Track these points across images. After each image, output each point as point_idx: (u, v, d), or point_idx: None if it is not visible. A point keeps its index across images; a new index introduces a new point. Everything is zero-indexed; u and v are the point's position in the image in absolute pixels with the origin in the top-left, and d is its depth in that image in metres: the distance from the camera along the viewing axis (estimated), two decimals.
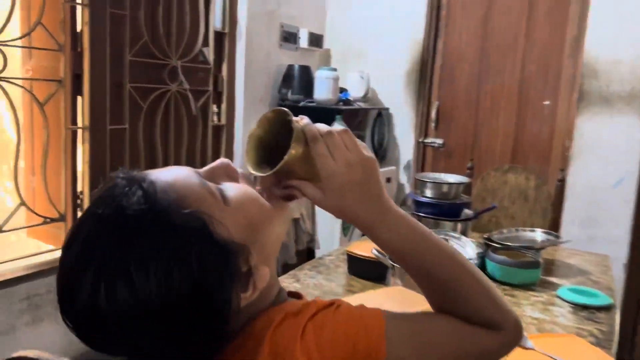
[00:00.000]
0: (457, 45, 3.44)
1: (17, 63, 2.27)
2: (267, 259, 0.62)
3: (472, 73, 3.40)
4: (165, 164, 2.63)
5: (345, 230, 2.94)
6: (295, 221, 2.06)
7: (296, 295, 0.73)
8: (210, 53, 2.80)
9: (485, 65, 3.35)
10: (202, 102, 2.78)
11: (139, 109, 2.45)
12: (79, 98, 2.24)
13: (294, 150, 0.61)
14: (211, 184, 0.60)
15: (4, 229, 2.01)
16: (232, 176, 0.64)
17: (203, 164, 2.72)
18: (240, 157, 3.02)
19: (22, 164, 2.33)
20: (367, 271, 1.63)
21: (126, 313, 0.51)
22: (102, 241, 0.53)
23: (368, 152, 0.65)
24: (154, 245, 0.52)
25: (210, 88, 2.83)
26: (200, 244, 0.54)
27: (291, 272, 1.67)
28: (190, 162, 2.73)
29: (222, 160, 0.65)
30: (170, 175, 0.59)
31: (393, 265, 1.48)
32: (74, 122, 2.25)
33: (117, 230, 0.53)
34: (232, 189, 0.61)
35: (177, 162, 2.69)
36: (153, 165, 2.56)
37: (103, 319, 0.52)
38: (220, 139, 2.94)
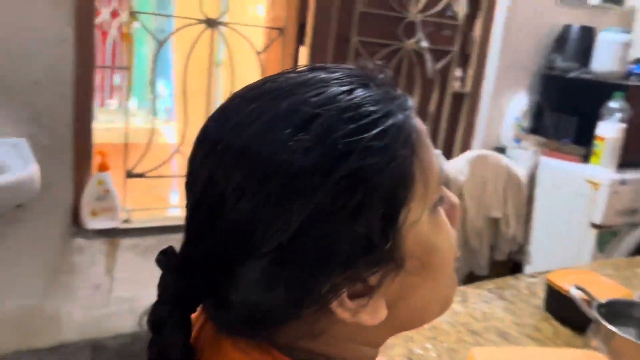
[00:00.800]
0: None
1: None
2: (394, 308, 0.43)
3: None
4: None
5: (603, 245, 2.25)
6: (494, 222, 1.56)
7: None
8: (462, 7, 2.39)
9: None
10: (442, 64, 2.40)
11: None
12: (302, 49, 2.13)
13: None
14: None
15: None
16: (451, 215, 0.47)
17: (434, 137, 2.38)
18: (483, 132, 2.56)
19: None
20: (568, 313, 1.11)
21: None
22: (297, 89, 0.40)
23: None
24: (345, 146, 0.38)
25: (456, 48, 2.42)
26: (385, 197, 0.39)
27: (461, 288, 1.26)
28: None
29: (455, 197, 0.49)
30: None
31: (597, 320, 0.94)
32: None
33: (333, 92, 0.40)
34: (442, 213, 0.46)
35: None
36: None
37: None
38: (459, 109, 2.52)
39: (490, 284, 1.29)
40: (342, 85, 0.41)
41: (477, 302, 1.19)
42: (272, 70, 2.06)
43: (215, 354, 0.43)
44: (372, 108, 0.40)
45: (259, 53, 2.01)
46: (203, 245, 0.40)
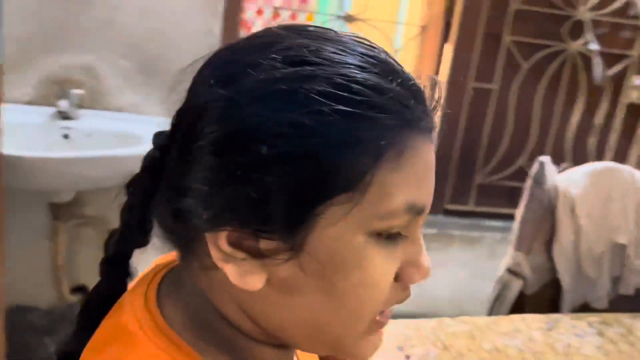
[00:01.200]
0: None
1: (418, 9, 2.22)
2: (276, 299, 0.39)
3: None
4: (540, 141, 2.13)
5: None
6: (620, 248, 1.25)
7: None
8: None
9: None
10: (615, 71, 2.09)
11: (515, 68, 2.04)
12: (446, 47, 2.03)
13: None
14: (421, 217, 0.39)
15: None
16: (406, 272, 0.40)
17: (599, 154, 2.12)
18: None
19: None
20: None
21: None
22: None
23: None
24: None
25: (636, 53, 2.09)
26: (319, 170, 0.35)
27: (556, 315, 1.08)
28: (579, 147, 2.14)
29: (427, 262, 0.41)
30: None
31: None
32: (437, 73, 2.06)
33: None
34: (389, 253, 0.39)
35: (559, 143, 2.15)
36: (521, 139, 2.12)
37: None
38: (634, 123, 2.16)
39: (595, 317, 1.09)
40: (362, 62, 0.37)
41: (567, 333, 1.01)
42: (409, 68, 2.01)
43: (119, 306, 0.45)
44: (370, 92, 0.36)
45: (397, 50, 1.97)
46: (177, 122, 0.43)
